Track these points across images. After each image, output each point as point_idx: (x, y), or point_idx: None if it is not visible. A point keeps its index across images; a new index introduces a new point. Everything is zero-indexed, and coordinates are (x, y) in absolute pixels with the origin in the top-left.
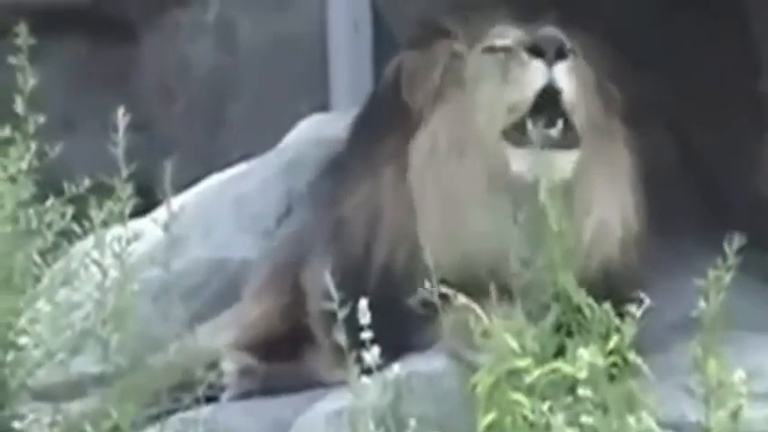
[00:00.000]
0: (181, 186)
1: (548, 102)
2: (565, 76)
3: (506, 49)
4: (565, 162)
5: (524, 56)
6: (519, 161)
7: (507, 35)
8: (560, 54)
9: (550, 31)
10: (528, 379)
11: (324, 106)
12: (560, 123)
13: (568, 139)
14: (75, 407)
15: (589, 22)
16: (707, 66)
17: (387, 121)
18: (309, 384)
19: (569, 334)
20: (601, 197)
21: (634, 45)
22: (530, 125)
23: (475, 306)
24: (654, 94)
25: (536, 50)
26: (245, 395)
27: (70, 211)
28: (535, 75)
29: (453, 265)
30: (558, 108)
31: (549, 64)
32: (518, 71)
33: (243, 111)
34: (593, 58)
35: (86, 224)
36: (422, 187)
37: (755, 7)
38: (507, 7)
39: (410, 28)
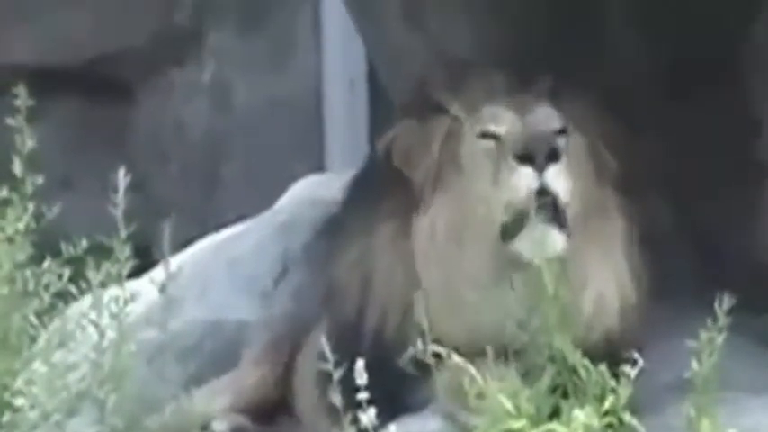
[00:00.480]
0: (176, 247)
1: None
2: (557, 179)
3: (498, 141)
4: (558, 239)
5: (513, 162)
6: (518, 243)
7: (501, 120)
8: (552, 157)
9: (541, 132)
10: None
11: (319, 167)
12: (557, 231)
13: (561, 223)
14: None
15: (586, 86)
16: (704, 131)
17: (383, 186)
18: None
19: (565, 395)
20: (596, 270)
21: (633, 109)
22: (522, 226)
23: (469, 366)
24: (651, 160)
25: (525, 158)
26: None
27: (67, 272)
28: (525, 181)
29: (453, 332)
30: (554, 213)
31: (540, 170)
32: (508, 175)
33: (238, 171)
34: (589, 123)
35: (83, 285)
36: (426, 267)
37: (754, 73)
38: (501, 72)
39: (406, 90)
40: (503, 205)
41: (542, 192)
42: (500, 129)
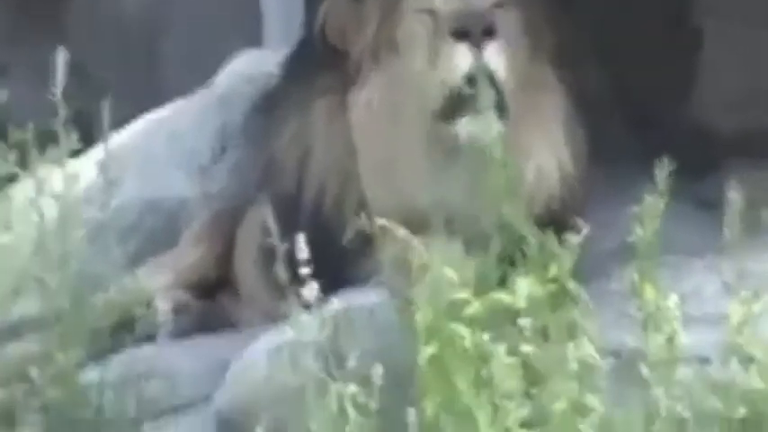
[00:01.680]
0: (116, 126)
1: (477, 81)
2: (494, 56)
3: (434, 16)
4: (497, 124)
5: (448, 39)
6: (447, 135)
7: None
8: (488, 33)
9: (477, 7)
10: (468, 311)
11: (257, 43)
12: (493, 97)
13: (500, 106)
14: (15, 350)
15: None
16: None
17: (319, 61)
18: (240, 323)
19: (511, 265)
20: (536, 144)
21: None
22: (459, 106)
23: (412, 237)
24: (586, 32)
25: (461, 33)
26: (182, 333)
27: (13, 156)
28: (462, 58)
29: (392, 205)
30: (490, 86)
31: (477, 45)
32: (445, 53)
33: (176, 49)
34: (526, 2)
35: (25, 168)
36: (363, 141)
37: None
38: None
39: None
40: (439, 84)
41: (479, 69)
42: (436, 3)
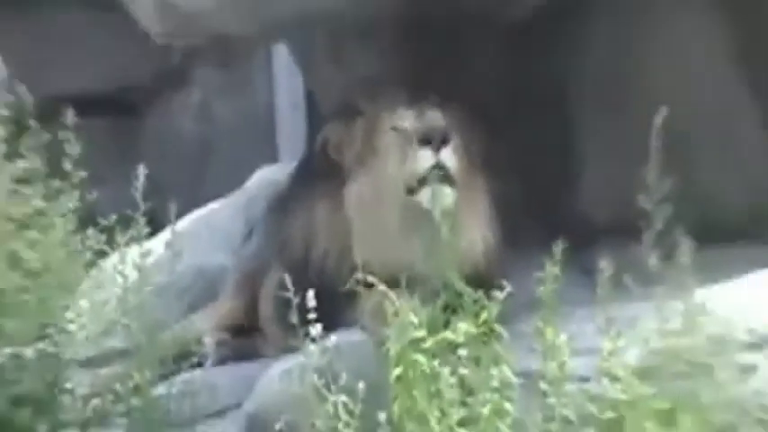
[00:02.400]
0: (176, 218)
1: (435, 176)
2: (448, 156)
3: (405, 132)
4: (449, 193)
5: (416, 145)
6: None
7: (406, 119)
8: (444, 141)
9: (437, 122)
10: (424, 344)
11: (273, 160)
12: (448, 188)
13: (450, 184)
14: (107, 372)
15: (458, 100)
16: (538, 131)
17: (318, 171)
18: (263, 353)
19: (454, 312)
20: (468, 226)
21: (487, 116)
22: (422, 194)
23: (389, 292)
24: (502, 150)
25: (425, 140)
26: (222, 361)
27: (103, 237)
28: (425, 159)
29: (376, 267)
30: (446, 177)
31: (436, 149)
32: (413, 155)
33: (217, 163)
34: (462, 126)
35: (114, 246)
36: (355, 220)
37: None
38: (402, 92)
39: (333, 106)
40: (409, 175)
41: (437, 166)
42: (406, 124)
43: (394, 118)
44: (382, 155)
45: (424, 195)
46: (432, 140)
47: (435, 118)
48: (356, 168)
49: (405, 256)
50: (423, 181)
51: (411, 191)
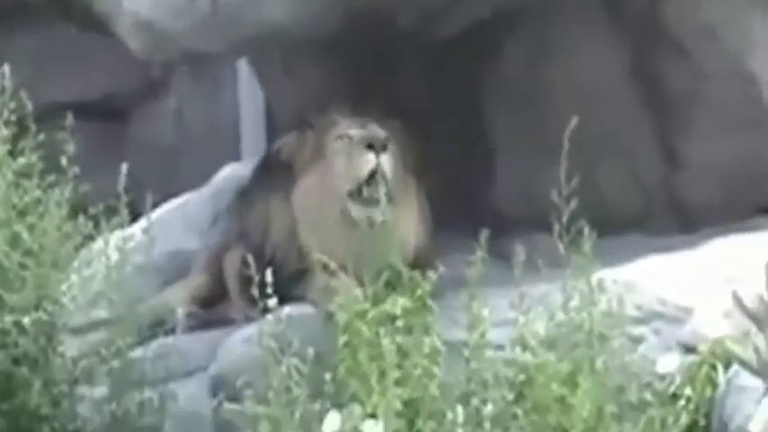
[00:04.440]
0: (152, 208)
1: (376, 177)
2: (387, 162)
3: (350, 139)
4: (381, 213)
5: (362, 149)
6: (356, 211)
7: (351, 127)
8: (384, 147)
9: (378, 131)
10: (368, 316)
11: (237, 159)
12: (383, 189)
13: (387, 196)
14: (93, 338)
15: (395, 112)
16: (462, 135)
17: (274, 171)
18: (227, 321)
19: (394, 289)
20: (402, 223)
21: (418, 126)
22: (364, 192)
23: (340, 271)
24: (431, 153)
25: (369, 145)
26: (191, 329)
27: (91, 223)
28: (368, 161)
29: (319, 252)
30: (383, 180)
31: (377, 154)
32: (357, 157)
33: (189, 161)
34: (397, 135)
35: (100, 231)
36: (301, 212)
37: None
38: (346, 106)
39: (287, 115)
40: (353, 176)
41: (375, 172)
42: (351, 132)
43: (340, 128)
44: (329, 159)
45: (358, 211)
46: (374, 145)
47: (376, 129)
48: (304, 171)
49: (343, 248)
50: (360, 189)
51: (352, 193)
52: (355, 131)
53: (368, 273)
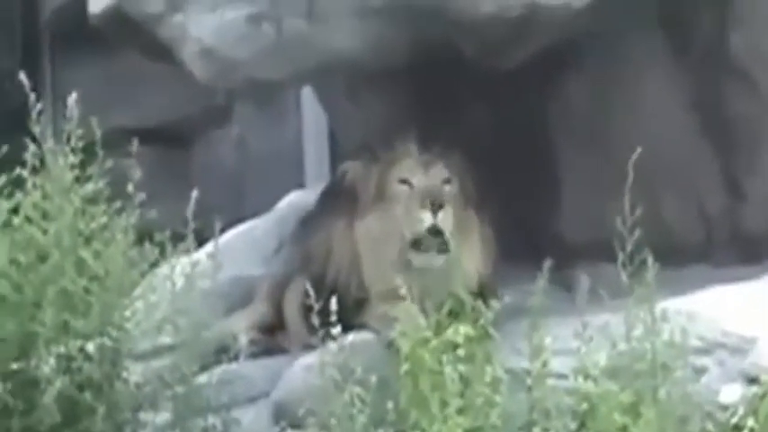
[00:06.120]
0: (219, 234)
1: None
2: (443, 219)
3: (411, 187)
4: (439, 259)
5: (419, 207)
6: (416, 260)
7: (413, 172)
8: (440, 207)
9: (436, 185)
10: (430, 344)
11: (301, 185)
12: (442, 244)
13: (442, 249)
14: (157, 364)
15: (459, 142)
16: (524, 171)
17: (339, 198)
18: (287, 350)
19: (457, 317)
20: (465, 256)
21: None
22: (423, 243)
23: (403, 298)
24: (491, 186)
25: (425, 205)
26: (254, 355)
27: (157, 250)
28: (424, 221)
29: (380, 284)
30: (440, 236)
31: (434, 213)
32: (415, 213)
33: (254, 188)
34: (458, 170)
35: (165, 256)
36: (364, 249)
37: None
38: (411, 137)
39: (351, 142)
40: (409, 230)
41: (433, 228)
42: (412, 179)
43: (403, 170)
44: (389, 203)
45: (420, 260)
46: (432, 204)
47: (437, 175)
48: (367, 207)
49: (405, 284)
50: (419, 244)
51: (411, 243)
52: (417, 179)
53: (431, 303)
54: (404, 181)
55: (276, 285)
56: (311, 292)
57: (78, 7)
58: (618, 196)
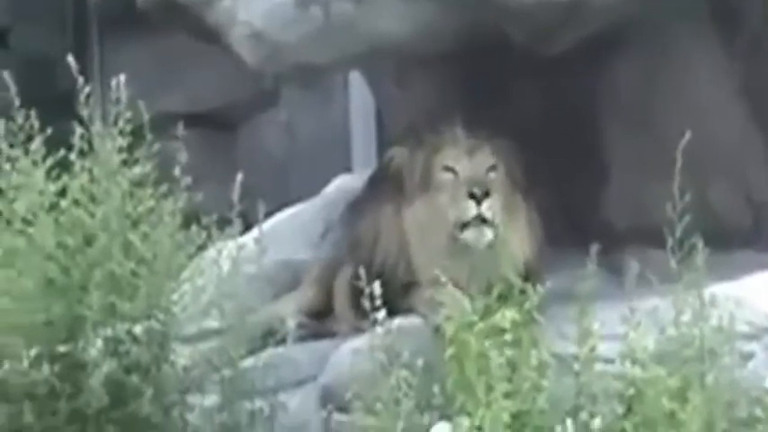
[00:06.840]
0: (264, 218)
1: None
2: (488, 208)
3: (456, 175)
4: (488, 234)
5: (464, 195)
6: (466, 235)
7: (458, 159)
8: (486, 195)
9: (480, 177)
10: (476, 328)
11: (348, 169)
12: (488, 230)
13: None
14: (204, 347)
15: (506, 126)
16: (572, 154)
17: (386, 184)
18: (334, 334)
19: (504, 303)
20: (512, 240)
21: (530, 140)
22: (470, 226)
23: (449, 284)
24: (538, 170)
25: (471, 195)
26: (301, 339)
27: (204, 233)
28: (469, 209)
29: (429, 269)
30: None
31: (479, 202)
32: (460, 202)
33: (301, 171)
34: (506, 154)
35: (212, 240)
36: (412, 234)
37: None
38: (458, 121)
39: (398, 125)
40: (455, 218)
41: (478, 216)
42: (457, 166)
43: (448, 157)
44: (435, 191)
45: (468, 235)
46: (476, 194)
47: (482, 162)
48: (414, 193)
49: (454, 267)
50: (466, 225)
51: (458, 227)
52: (461, 166)
53: (478, 287)
54: (449, 168)
55: (326, 269)
56: (363, 276)
57: None
58: (665, 181)
